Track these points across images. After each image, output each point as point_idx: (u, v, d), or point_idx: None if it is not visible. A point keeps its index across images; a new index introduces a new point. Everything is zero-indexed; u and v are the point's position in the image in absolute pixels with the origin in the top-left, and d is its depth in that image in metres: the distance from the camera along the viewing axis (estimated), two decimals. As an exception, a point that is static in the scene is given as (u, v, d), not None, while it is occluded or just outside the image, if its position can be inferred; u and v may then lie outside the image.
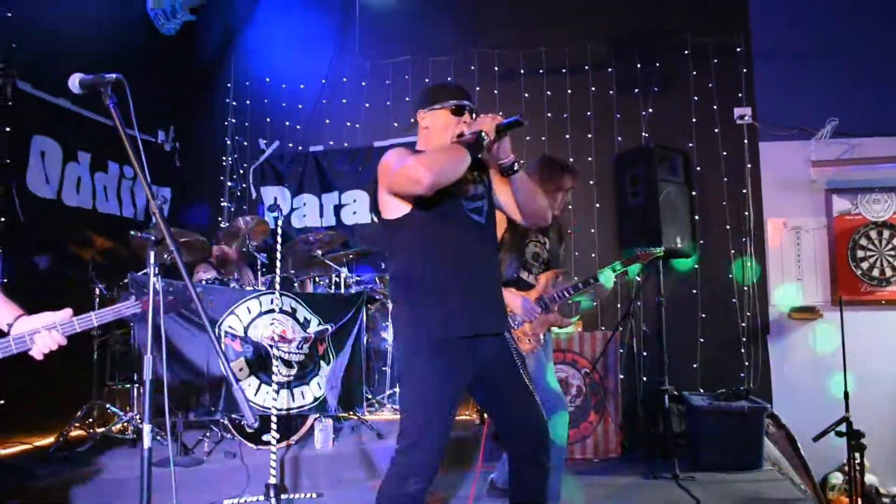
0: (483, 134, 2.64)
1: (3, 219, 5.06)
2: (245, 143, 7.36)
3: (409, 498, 2.59)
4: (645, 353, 6.10)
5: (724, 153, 6.37)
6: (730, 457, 5.04)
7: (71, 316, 2.38)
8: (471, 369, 2.72)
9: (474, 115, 2.82)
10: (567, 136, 6.62)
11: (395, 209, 2.72)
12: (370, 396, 5.92)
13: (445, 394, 2.67)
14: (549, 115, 6.67)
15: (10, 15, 5.17)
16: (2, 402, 4.92)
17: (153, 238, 2.05)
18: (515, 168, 2.78)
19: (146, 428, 2.04)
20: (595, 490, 4.58)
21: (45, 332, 2.32)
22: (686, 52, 6.52)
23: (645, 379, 6.01)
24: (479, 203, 2.83)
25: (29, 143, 5.41)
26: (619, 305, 6.28)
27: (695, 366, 6.12)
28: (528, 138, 6.62)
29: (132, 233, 4.90)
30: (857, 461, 4.53)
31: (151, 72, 6.34)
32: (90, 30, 5.56)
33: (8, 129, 5.13)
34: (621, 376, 5.71)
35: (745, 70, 6.43)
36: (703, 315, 6.20)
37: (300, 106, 7.32)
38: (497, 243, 3.02)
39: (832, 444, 5.00)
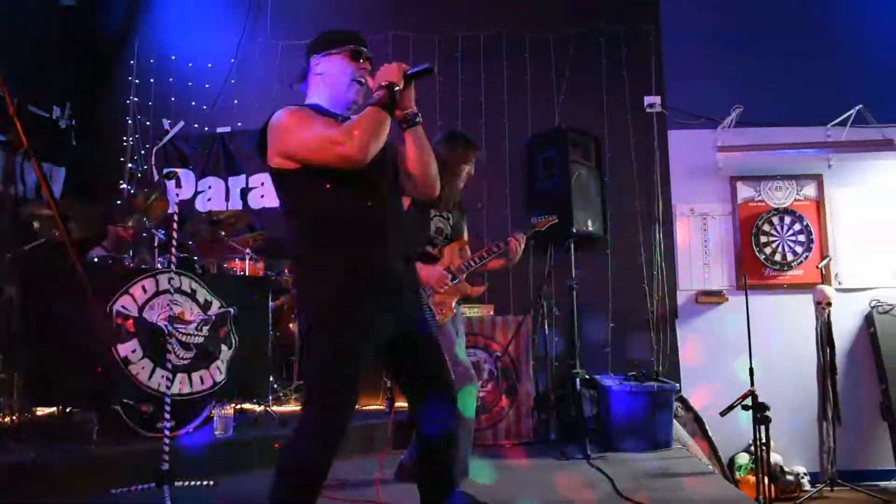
0: (394, 86, 2.49)
1: None
2: (148, 123, 7.02)
3: (320, 469, 2.39)
4: (556, 338, 6.10)
5: (634, 140, 6.46)
6: (640, 437, 5.11)
7: None
8: (392, 319, 2.55)
9: (370, 62, 2.69)
10: (481, 121, 6.58)
11: (283, 161, 2.52)
12: (277, 387, 5.71)
13: (360, 351, 2.47)
14: (463, 99, 6.63)
15: None
16: None
17: None
18: (417, 120, 2.62)
19: None
20: (507, 472, 4.51)
21: None
22: (599, 39, 6.59)
23: (557, 363, 6.01)
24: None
25: None
26: (530, 289, 6.26)
27: (606, 350, 6.17)
28: (439, 123, 6.55)
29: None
30: (763, 438, 4.60)
31: (48, 44, 6.01)
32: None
33: None
34: (533, 361, 5.67)
35: (654, 59, 6.54)
36: (614, 299, 6.25)
37: (207, 86, 7.04)
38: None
39: (738, 426, 5.13)
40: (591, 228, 5.83)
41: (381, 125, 2.45)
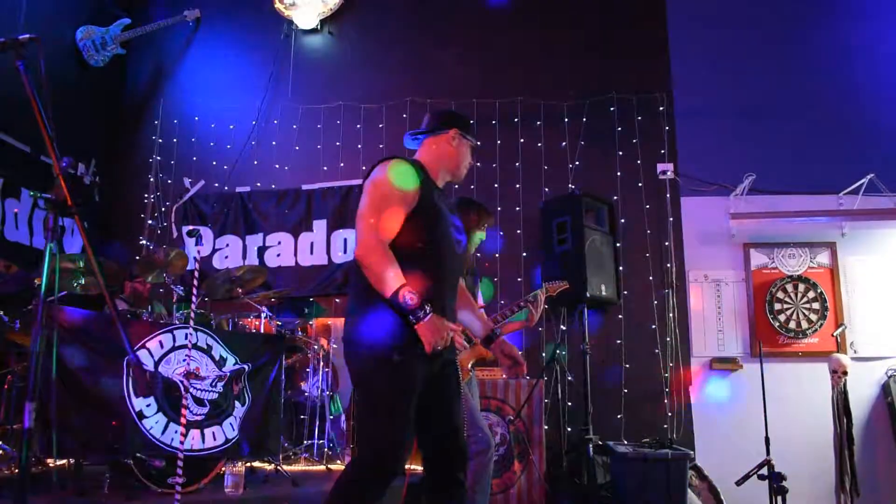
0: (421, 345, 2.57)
1: None
2: (169, 182, 7.19)
3: None
4: (570, 403, 6.06)
5: (648, 206, 6.51)
6: (652, 504, 5.01)
7: None
8: (427, 379, 2.67)
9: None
10: (496, 186, 6.68)
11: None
12: (287, 445, 5.68)
13: (412, 400, 2.60)
14: (479, 164, 6.73)
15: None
16: None
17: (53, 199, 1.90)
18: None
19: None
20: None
21: None
22: (612, 108, 6.72)
23: (569, 429, 5.96)
24: (461, 237, 2.93)
25: (-68, 164, 5.17)
26: (543, 354, 6.25)
27: (619, 416, 6.11)
28: (456, 187, 6.65)
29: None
30: (779, 506, 4.53)
31: (76, 102, 6.19)
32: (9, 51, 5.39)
33: None
34: (545, 427, 5.62)
35: (667, 127, 6.65)
36: (627, 365, 6.22)
37: (229, 146, 7.21)
38: None
39: (754, 496, 5.03)
40: (604, 293, 5.84)
41: (381, 284, 2.56)
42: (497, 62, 7.03)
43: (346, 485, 2.59)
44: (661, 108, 6.67)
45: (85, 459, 4.40)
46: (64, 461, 4.66)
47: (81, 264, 4.66)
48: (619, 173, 6.60)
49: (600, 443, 5.60)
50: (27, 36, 2.07)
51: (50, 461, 4.66)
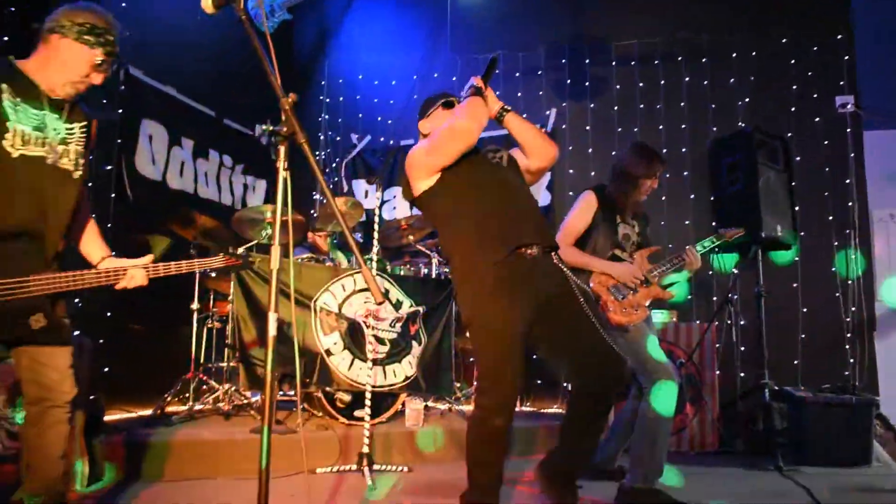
0: (474, 85, 3.07)
1: (113, 195, 5.34)
2: (338, 139, 7.54)
3: (497, 432, 2.79)
4: (743, 348, 5.90)
5: (826, 142, 6.15)
6: (836, 452, 4.83)
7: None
8: (533, 299, 2.85)
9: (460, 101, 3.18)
10: (661, 128, 6.52)
11: (425, 184, 3.00)
12: (458, 385, 5.90)
13: (513, 329, 2.80)
14: (642, 106, 6.59)
15: (124, 5, 5.44)
16: (106, 368, 5.12)
17: (282, 133, 2.09)
18: (506, 109, 3.17)
19: (268, 380, 2.06)
20: (696, 479, 4.42)
21: (135, 269, 2.72)
22: (784, 40, 6.35)
23: (743, 374, 5.82)
24: (498, 153, 3.21)
25: (138, 126, 5.68)
26: (714, 298, 6.11)
27: (795, 362, 5.89)
28: (619, 129, 6.57)
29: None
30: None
31: (252, 67, 6.55)
32: (196, 23, 5.80)
33: (120, 111, 5.40)
34: (717, 372, 5.51)
35: (846, 57, 6.21)
36: (805, 309, 5.97)
37: (392, 101, 7.45)
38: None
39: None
40: (780, 234, 5.58)
41: (474, 105, 2.99)
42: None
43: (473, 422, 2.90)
44: (839, 37, 6.23)
45: (281, 390, 4.78)
46: (261, 395, 5.10)
47: (269, 214, 4.99)
48: (793, 109, 6.26)
49: (777, 388, 5.43)
50: (257, -1, 2.24)
51: (247, 395, 5.12)
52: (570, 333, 2.91)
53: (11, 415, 3.48)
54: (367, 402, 4.21)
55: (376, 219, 4.52)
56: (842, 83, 6.20)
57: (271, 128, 2.08)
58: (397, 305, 4.98)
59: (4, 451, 3.45)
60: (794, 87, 6.29)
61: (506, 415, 2.79)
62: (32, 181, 2.51)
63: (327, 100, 7.67)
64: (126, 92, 5.46)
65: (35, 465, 2.61)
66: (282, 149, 2.06)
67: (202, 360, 5.47)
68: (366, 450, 4.06)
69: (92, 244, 2.83)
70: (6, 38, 4.46)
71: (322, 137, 7.54)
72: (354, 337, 4.75)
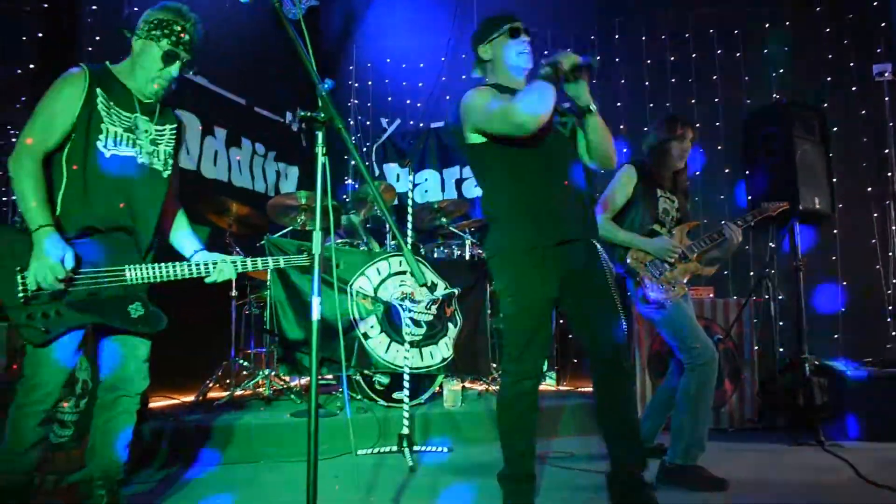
0: (558, 63, 2.76)
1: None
2: (367, 123, 7.56)
3: (526, 395, 2.90)
4: (781, 323, 5.84)
5: (863, 112, 6.03)
6: (879, 426, 4.75)
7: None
8: (559, 273, 2.87)
9: (529, 35, 3.04)
10: (693, 101, 6.43)
11: (476, 138, 2.92)
12: (494, 367, 5.91)
13: (542, 300, 2.87)
14: (673, 80, 6.51)
15: (153, -2, 5.48)
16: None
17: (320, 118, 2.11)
18: (591, 109, 2.93)
19: (313, 363, 2.14)
20: (737, 455, 4.40)
21: (225, 264, 2.82)
22: (818, 8, 6.22)
23: (782, 349, 5.76)
24: (566, 119, 3.03)
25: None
26: (751, 273, 6.04)
27: (835, 336, 5.81)
28: (651, 105, 6.50)
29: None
30: None
31: (280, 55, 6.60)
32: (225, 13, 5.85)
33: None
34: (756, 347, 5.45)
35: (883, 24, 6.06)
36: (844, 282, 5.88)
37: (420, 84, 7.45)
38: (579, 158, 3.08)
39: None
40: (818, 206, 5.51)
41: (544, 93, 2.71)
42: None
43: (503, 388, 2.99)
44: (874, 3, 6.09)
45: (320, 376, 4.83)
46: (300, 380, 5.18)
47: (304, 200, 5.03)
48: (828, 78, 6.14)
49: (817, 363, 5.36)
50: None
51: (287, 379, 5.19)
52: (589, 307, 2.92)
53: (62, 404, 3.57)
54: (406, 384, 4.24)
55: (409, 202, 4.54)
56: (879, 50, 6.06)
57: (309, 114, 2.08)
58: (432, 287, 5.00)
59: (57, 438, 3.54)
60: (830, 56, 6.16)
61: (533, 378, 2.91)
62: (124, 179, 2.66)
63: (356, 84, 7.68)
64: (157, 82, 5.52)
65: (99, 450, 2.74)
66: (319, 134, 2.08)
67: (241, 346, 5.55)
68: (405, 431, 4.10)
69: (184, 238, 2.99)
70: (32, 66, 4.57)
71: (352, 122, 7.57)
72: (391, 320, 4.79)
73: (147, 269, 2.68)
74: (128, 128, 2.68)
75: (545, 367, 5.49)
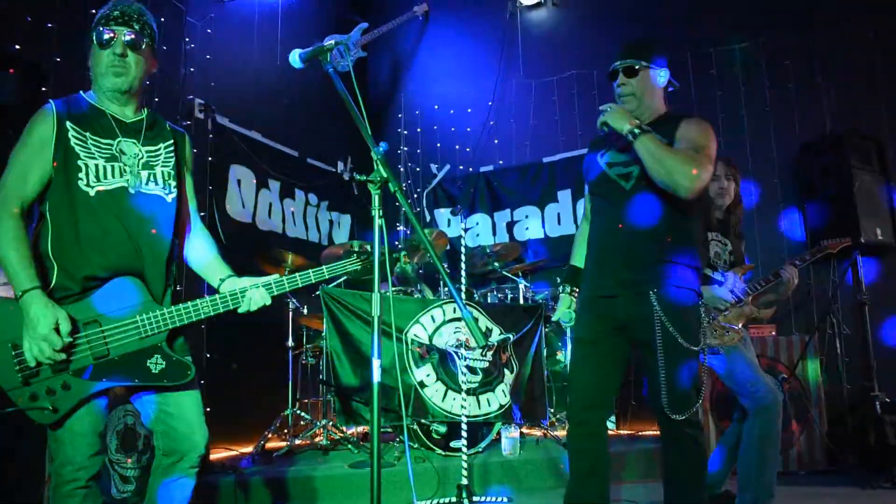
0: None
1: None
2: (418, 169, 7.66)
3: (571, 435, 2.96)
4: (847, 359, 5.64)
5: (925, 139, 5.86)
6: (960, 468, 4.55)
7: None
8: (611, 322, 2.87)
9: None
10: (744, 136, 6.34)
11: None
12: (552, 411, 5.84)
13: (587, 343, 2.93)
14: (723, 115, 6.44)
15: (208, 57, 5.70)
16: (208, 409, 5.28)
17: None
18: (632, 136, 2.72)
19: (374, 424, 2.07)
20: (805, 500, 4.27)
21: (255, 290, 2.46)
22: (870, 34, 6.10)
23: (849, 386, 5.56)
24: (628, 169, 2.87)
25: (228, 172, 5.93)
26: (814, 309, 5.88)
27: (906, 372, 5.59)
28: (701, 141, 6.42)
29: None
30: None
31: (329, 107, 6.76)
32: (276, 70, 6.03)
33: (210, 158, 5.63)
34: (823, 384, 5.27)
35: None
36: (914, 315, 5.67)
37: (469, 129, 7.53)
38: (655, 206, 2.83)
39: None
40: (880, 237, 5.35)
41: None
42: (727, 4, 6.63)
43: None
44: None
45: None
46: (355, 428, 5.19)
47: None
48: (884, 105, 6.00)
49: (888, 399, 5.16)
50: (332, 41, 2.30)
51: (344, 429, 5.21)
52: (645, 362, 2.87)
53: (124, 459, 3.63)
54: (464, 433, 4.21)
55: (462, 248, 4.56)
56: (938, 74, 5.90)
57: (365, 177, 2.11)
58: (487, 333, 4.99)
59: (119, 494, 3.60)
60: (883, 81, 6.02)
61: (571, 422, 2.95)
62: (118, 216, 2.35)
63: (405, 132, 7.81)
64: (214, 139, 5.71)
65: None
66: (376, 197, 2.08)
67: (298, 396, 5.60)
68: (464, 481, 4.06)
69: (209, 265, 2.65)
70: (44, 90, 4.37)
71: (402, 169, 7.68)
72: (446, 367, 4.79)
73: (162, 315, 2.34)
74: (110, 157, 2.38)
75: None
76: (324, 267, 2.60)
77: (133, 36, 2.41)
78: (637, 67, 2.87)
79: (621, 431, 6.10)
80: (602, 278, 2.89)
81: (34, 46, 4.35)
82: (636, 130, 2.71)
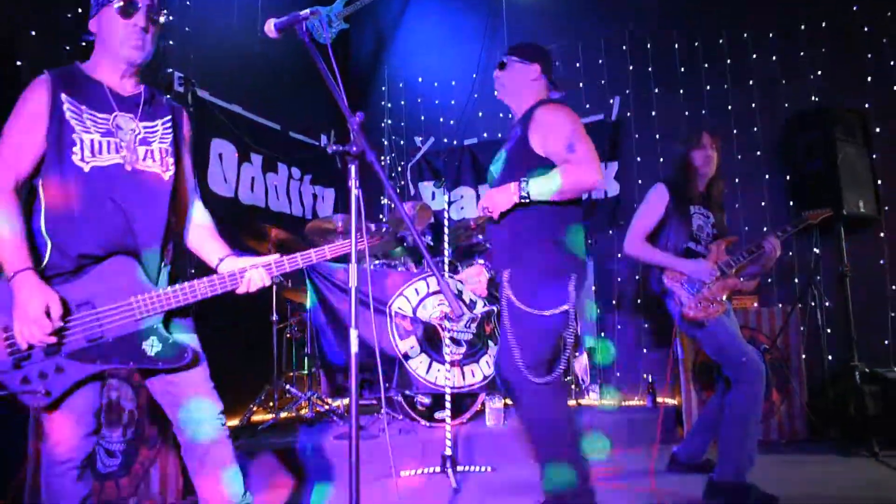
0: None
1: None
2: (402, 142, 7.61)
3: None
4: (829, 330, 5.70)
5: (907, 112, 5.87)
6: (937, 435, 4.62)
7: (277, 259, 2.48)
8: None
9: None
10: (729, 108, 6.34)
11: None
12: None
13: None
14: (708, 87, 6.43)
15: (187, 29, 5.61)
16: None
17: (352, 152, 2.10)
18: (525, 200, 2.99)
19: (353, 394, 2.08)
20: (788, 468, 4.32)
21: (254, 270, 2.42)
22: (854, 7, 6.09)
23: (830, 357, 5.62)
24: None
25: (209, 146, 5.86)
26: (796, 280, 5.92)
27: (886, 342, 5.65)
28: (686, 113, 6.43)
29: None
30: None
31: (312, 79, 6.67)
32: (257, 42, 5.94)
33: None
34: (804, 356, 5.33)
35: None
36: (893, 287, 5.72)
37: (453, 102, 7.48)
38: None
39: None
40: (863, 210, 5.38)
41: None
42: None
43: None
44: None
45: (361, 398, 4.86)
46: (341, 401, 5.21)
47: (339, 224, 5.07)
48: (868, 79, 6.00)
49: (868, 370, 5.22)
50: (307, 11, 2.25)
51: (329, 401, 5.21)
52: None
53: (109, 434, 3.62)
54: (448, 404, 4.23)
55: (445, 220, 4.55)
56: (922, 47, 5.90)
57: (342, 148, 2.07)
58: (471, 305, 5.00)
59: (105, 468, 3.60)
60: (869, 55, 6.02)
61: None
62: (112, 193, 2.28)
63: (389, 104, 7.75)
64: (195, 114, 5.62)
65: (207, 497, 2.41)
66: (352, 168, 2.05)
67: (283, 369, 5.60)
68: (448, 451, 4.09)
69: (207, 245, 2.59)
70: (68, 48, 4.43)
71: (386, 142, 7.63)
72: (431, 340, 4.79)
73: (158, 297, 2.28)
74: (106, 131, 2.31)
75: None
76: (325, 248, 2.57)
77: (154, 12, 2.38)
78: (505, 62, 3.21)
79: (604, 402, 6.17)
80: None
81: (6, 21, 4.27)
82: (521, 196, 2.94)
